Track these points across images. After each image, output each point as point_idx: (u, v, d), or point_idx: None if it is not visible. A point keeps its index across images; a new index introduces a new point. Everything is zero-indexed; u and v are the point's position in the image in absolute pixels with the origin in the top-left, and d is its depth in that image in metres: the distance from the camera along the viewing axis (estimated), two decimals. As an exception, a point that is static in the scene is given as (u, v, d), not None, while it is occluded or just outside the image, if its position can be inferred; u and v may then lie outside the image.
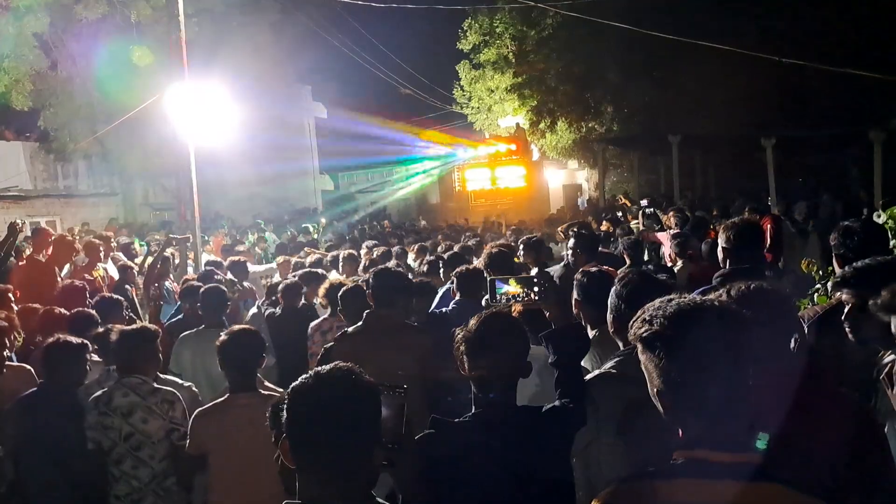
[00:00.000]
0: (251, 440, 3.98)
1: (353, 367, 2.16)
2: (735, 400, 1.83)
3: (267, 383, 4.86)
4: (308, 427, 2.06)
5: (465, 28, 26.29)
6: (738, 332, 1.87)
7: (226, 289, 7.13)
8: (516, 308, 3.30)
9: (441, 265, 7.98)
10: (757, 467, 1.79)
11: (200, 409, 4.44)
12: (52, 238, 9.85)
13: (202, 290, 7.03)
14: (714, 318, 1.87)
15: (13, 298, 6.98)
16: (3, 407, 4.93)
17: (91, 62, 20.03)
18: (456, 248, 9.56)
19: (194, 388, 5.47)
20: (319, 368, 2.15)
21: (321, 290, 7.00)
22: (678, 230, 10.33)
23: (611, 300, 3.46)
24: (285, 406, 2.11)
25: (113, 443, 4.69)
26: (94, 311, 6.31)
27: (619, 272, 7.07)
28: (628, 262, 8.28)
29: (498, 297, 3.34)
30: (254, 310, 8.59)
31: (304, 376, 2.14)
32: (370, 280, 5.39)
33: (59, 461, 4.80)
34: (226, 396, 4.39)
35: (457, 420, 2.97)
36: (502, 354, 2.94)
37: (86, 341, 5.10)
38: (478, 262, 7.50)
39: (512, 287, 3.32)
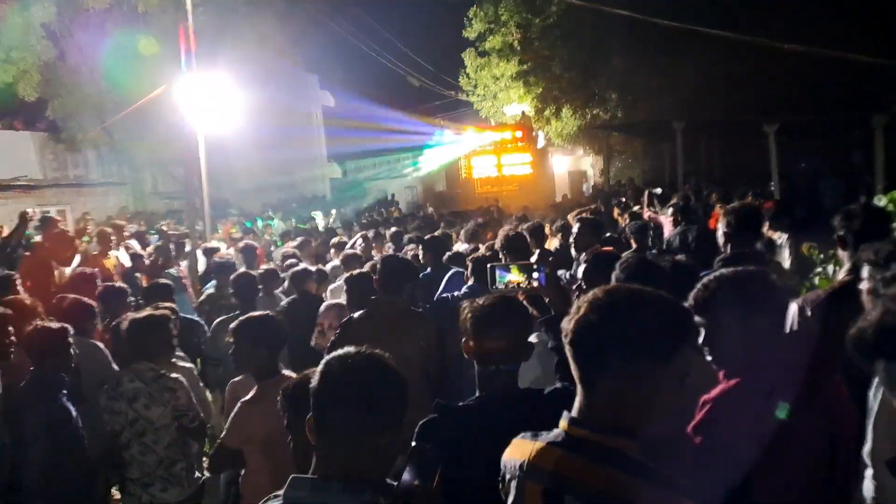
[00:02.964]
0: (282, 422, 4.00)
1: (383, 354, 2.22)
2: (622, 391, 1.93)
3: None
4: (334, 406, 2.12)
5: (470, 16, 26.28)
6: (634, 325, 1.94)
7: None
8: (520, 295, 3.38)
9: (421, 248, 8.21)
10: (616, 452, 1.90)
11: (245, 399, 4.29)
12: (55, 231, 9.93)
13: (234, 276, 7.16)
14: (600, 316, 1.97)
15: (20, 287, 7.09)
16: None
17: (98, 52, 20.02)
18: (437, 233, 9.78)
19: (193, 370, 5.60)
20: (349, 350, 2.20)
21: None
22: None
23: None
24: (315, 383, 2.16)
25: (121, 427, 4.76)
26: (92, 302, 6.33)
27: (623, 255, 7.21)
28: (634, 245, 8.36)
29: (498, 285, 3.39)
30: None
31: (334, 355, 2.20)
32: (377, 266, 5.47)
33: (55, 448, 4.79)
34: (265, 382, 4.26)
35: (461, 404, 3.05)
36: (508, 329, 3.02)
37: (66, 325, 5.08)
38: (488, 247, 7.62)
39: (513, 274, 3.37)
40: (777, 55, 15.45)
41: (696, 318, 2.86)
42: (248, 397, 4.31)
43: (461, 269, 7.05)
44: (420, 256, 8.22)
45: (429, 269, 7.71)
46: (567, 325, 2.02)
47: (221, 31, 20.27)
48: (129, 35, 19.47)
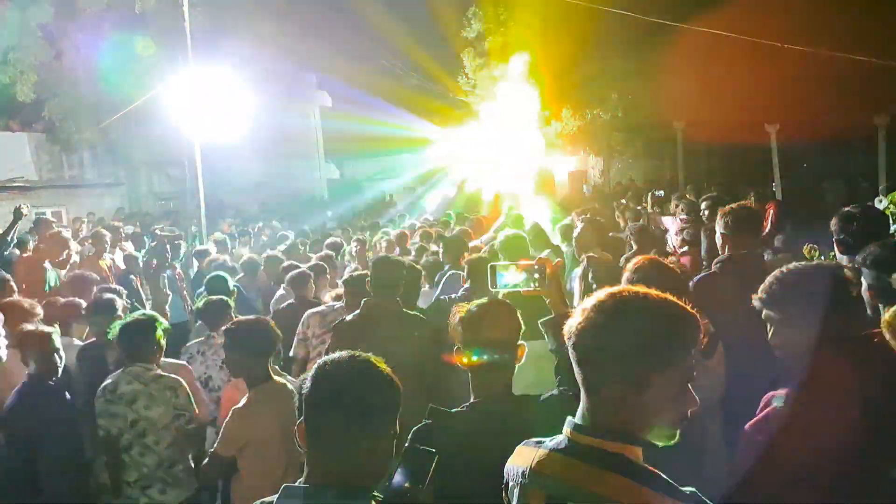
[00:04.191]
0: (283, 427, 3.99)
1: (376, 358, 2.18)
2: (627, 396, 1.90)
3: (279, 370, 4.88)
4: (326, 412, 2.07)
5: (469, 16, 26.23)
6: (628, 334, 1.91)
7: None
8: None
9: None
10: (621, 458, 1.87)
11: (237, 407, 4.34)
12: (51, 232, 9.88)
13: (207, 278, 7.13)
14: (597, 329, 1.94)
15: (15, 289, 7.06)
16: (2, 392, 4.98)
17: (95, 53, 20.02)
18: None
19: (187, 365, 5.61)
20: (342, 354, 2.16)
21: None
22: (686, 219, 10.32)
23: None
24: (307, 389, 2.12)
25: (120, 430, 4.75)
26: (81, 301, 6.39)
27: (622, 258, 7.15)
28: (635, 247, 8.32)
29: (498, 285, 3.35)
30: (281, 291, 8.65)
31: (326, 360, 2.16)
32: (370, 268, 5.45)
33: (49, 447, 4.82)
34: (257, 388, 4.32)
35: (455, 410, 3.00)
36: (498, 333, 3.00)
37: (53, 330, 5.08)
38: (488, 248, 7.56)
39: (513, 275, 3.32)
40: (779, 55, 15.39)
41: (766, 313, 2.85)
42: (240, 405, 4.33)
43: (459, 271, 7.01)
44: (440, 255, 8.20)
45: (447, 268, 7.69)
46: (571, 328, 1.99)
47: (219, 31, 20.22)
48: (126, 35, 19.47)
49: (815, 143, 22.75)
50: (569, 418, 2.00)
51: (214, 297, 6.43)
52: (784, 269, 2.97)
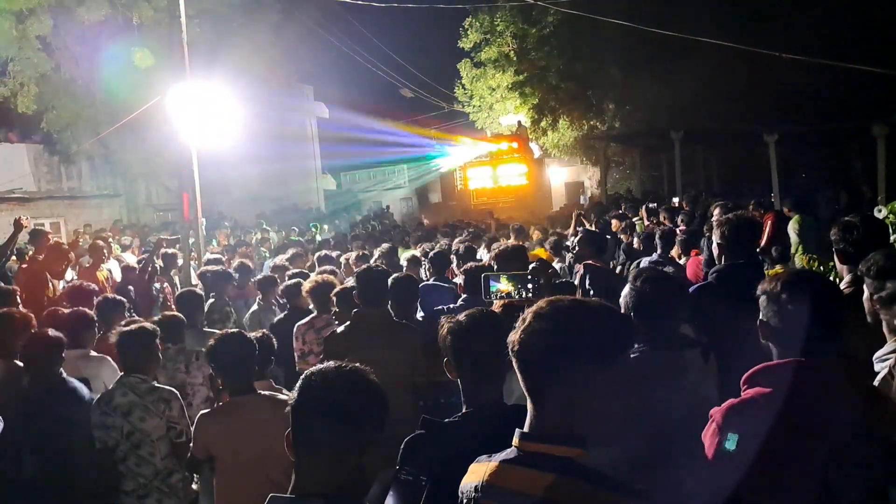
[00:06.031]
0: (252, 442, 4.02)
1: (364, 369, 2.17)
2: (571, 400, 1.92)
3: (274, 384, 4.87)
4: (312, 420, 2.07)
5: (465, 26, 26.26)
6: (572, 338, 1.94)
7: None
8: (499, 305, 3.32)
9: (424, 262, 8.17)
10: (570, 461, 1.88)
11: (203, 412, 4.43)
12: (49, 243, 9.87)
13: (178, 294, 7.13)
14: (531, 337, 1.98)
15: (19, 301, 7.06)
16: None
17: (93, 64, 20.06)
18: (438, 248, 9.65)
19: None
20: (329, 365, 2.16)
21: (306, 287, 6.93)
22: (683, 227, 10.36)
23: (628, 296, 3.38)
24: (294, 398, 2.12)
25: (116, 441, 4.76)
26: (90, 312, 6.31)
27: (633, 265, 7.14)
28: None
29: (492, 295, 3.33)
30: (254, 307, 8.58)
31: (314, 370, 2.16)
32: (355, 279, 5.46)
33: (44, 455, 4.83)
34: (234, 399, 4.32)
35: (447, 420, 2.97)
36: (486, 343, 2.97)
37: (61, 336, 5.08)
38: (487, 258, 7.55)
39: (504, 284, 3.31)
40: (776, 64, 15.42)
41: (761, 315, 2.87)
42: (207, 410, 4.47)
43: (442, 284, 7.04)
44: (428, 270, 8.17)
45: (431, 281, 7.68)
46: (513, 336, 2.02)
47: (216, 43, 20.24)
48: (124, 47, 19.47)
49: (814, 153, 22.81)
50: (517, 429, 2.02)
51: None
52: (783, 273, 2.95)
